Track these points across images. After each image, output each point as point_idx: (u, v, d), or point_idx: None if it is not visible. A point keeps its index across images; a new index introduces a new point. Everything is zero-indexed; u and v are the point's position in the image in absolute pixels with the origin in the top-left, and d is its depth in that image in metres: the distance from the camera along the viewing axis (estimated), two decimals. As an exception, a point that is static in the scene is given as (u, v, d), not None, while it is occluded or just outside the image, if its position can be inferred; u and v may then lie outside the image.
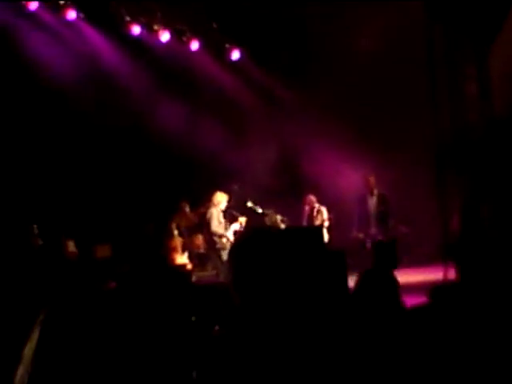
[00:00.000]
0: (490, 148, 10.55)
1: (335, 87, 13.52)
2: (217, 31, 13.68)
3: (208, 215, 10.54)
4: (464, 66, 11.15)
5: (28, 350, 1.74)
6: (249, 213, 11.03)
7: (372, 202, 11.41)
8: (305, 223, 11.92)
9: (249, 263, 2.26)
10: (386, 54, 13.05)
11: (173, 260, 10.40)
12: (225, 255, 9.86)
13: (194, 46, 13.63)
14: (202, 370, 2.24)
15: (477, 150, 10.76)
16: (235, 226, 10.56)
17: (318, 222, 11.72)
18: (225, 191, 10.82)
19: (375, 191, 11.47)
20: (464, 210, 10.49)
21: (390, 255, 5.66)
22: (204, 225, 10.73)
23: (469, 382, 2.55)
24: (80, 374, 1.72)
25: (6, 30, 11.40)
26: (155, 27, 13.00)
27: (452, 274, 8.50)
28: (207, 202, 10.80)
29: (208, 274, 11.36)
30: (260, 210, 11.11)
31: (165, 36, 13.10)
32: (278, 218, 11.12)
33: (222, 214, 10.61)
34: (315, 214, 11.91)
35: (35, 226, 9.83)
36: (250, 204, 11.07)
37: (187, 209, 11.86)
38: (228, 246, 9.96)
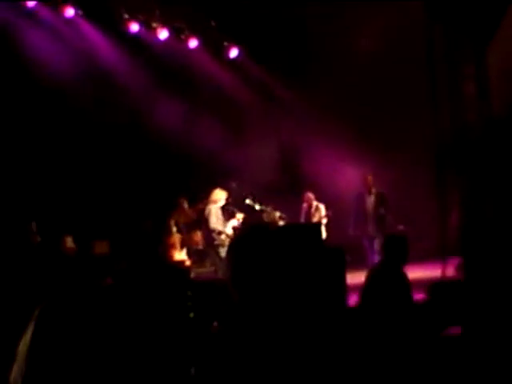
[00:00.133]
0: (488, 148, 10.57)
1: (335, 87, 13.51)
2: (215, 29, 13.67)
3: (206, 212, 10.54)
4: (463, 66, 11.16)
5: (22, 347, 1.74)
6: (247, 210, 11.04)
7: (370, 200, 11.42)
8: (302, 220, 11.94)
9: (247, 260, 2.26)
10: (386, 54, 13.04)
11: (171, 256, 10.42)
12: (223, 252, 9.86)
13: (193, 43, 13.62)
14: (201, 367, 2.25)
15: (476, 149, 10.78)
16: (233, 223, 10.57)
17: (315, 219, 11.74)
18: (223, 188, 10.83)
19: (373, 190, 11.47)
20: (465, 207, 10.52)
21: (400, 250, 5.65)
22: (202, 221, 10.73)
23: (469, 377, 2.57)
24: (75, 370, 1.71)
25: (4, 27, 11.37)
26: (154, 25, 12.99)
27: (450, 272, 8.53)
28: (206, 198, 10.81)
29: (206, 270, 11.37)
30: (258, 207, 11.12)
31: (163, 34, 13.08)
32: (277, 215, 11.15)
33: (220, 211, 10.62)
34: (313, 211, 11.93)
35: (34, 223, 9.84)
36: (248, 201, 11.08)
37: (185, 205, 11.86)
38: (226, 242, 9.96)
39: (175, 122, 12.99)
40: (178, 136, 13.11)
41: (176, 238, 10.60)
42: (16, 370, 1.73)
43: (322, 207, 11.95)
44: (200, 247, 11.66)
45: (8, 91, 11.57)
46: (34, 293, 6.21)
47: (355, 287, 8.20)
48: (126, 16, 12.66)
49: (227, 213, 10.80)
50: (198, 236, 11.62)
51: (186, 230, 11.56)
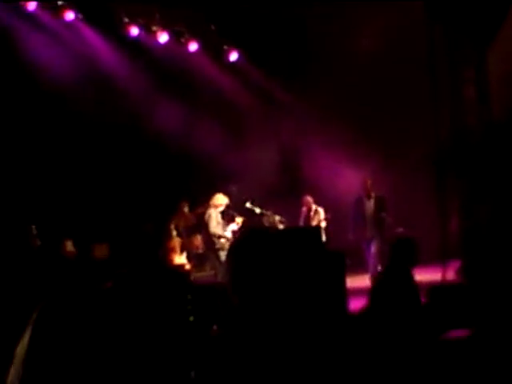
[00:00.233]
0: (488, 152, 10.57)
1: (335, 87, 13.51)
2: (215, 33, 13.69)
3: (207, 216, 10.55)
4: (463, 69, 11.16)
5: (20, 350, 1.73)
6: (247, 213, 11.04)
7: (369, 204, 11.39)
8: (302, 224, 11.94)
9: (247, 263, 2.26)
10: (386, 54, 13.04)
11: (171, 260, 10.41)
12: (223, 255, 9.87)
13: (193, 47, 13.65)
14: (201, 370, 2.24)
15: (476, 153, 10.78)
16: (233, 226, 10.57)
17: (314, 223, 11.74)
18: (224, 192, 10.83)
19: (372, 194, 11.45)
20: (465, 211, 10.52)
21: (409, 252, 5.62)
22: (202, 225, 10.74)
23: (470, 376, 2.56)
24: (73, 374, 1.70)
25: (5, 30, 11.38)
26: (154, 28, 13.01)
27: (450, 275, 8.53)
28: (206, 202, 10.82)
29: (206, 274, 11.37)
30: (258, 211, 11.13)
31: (163, 37, 13.11)
32: (277, 218, 11.15)
33: (220, 215, 10.63)
34: (312, 214, 11.93)
35: (34, 226, 9.84)
36: (248, 205, 11.09)
37: (186, 209, 11.87)
38: (226, 246, 9.97)
39: (175, 126, 12.99)
40: (178, 139, 13.11)
41: (176, 241, 10.60)
42: (13, 373, 1.72)
43: (321, 210, 11.96)
44: (200, 251, 11.66)
45: (9, 95, 11.57)
46: (34, 296, 6.20)
47: (355, 291, 8.20)
48: (126, 20, 12.68)
49: (227, 217, 10.81)
50: (198, 240, 11.63)
51: (186, 234, 11.55)
